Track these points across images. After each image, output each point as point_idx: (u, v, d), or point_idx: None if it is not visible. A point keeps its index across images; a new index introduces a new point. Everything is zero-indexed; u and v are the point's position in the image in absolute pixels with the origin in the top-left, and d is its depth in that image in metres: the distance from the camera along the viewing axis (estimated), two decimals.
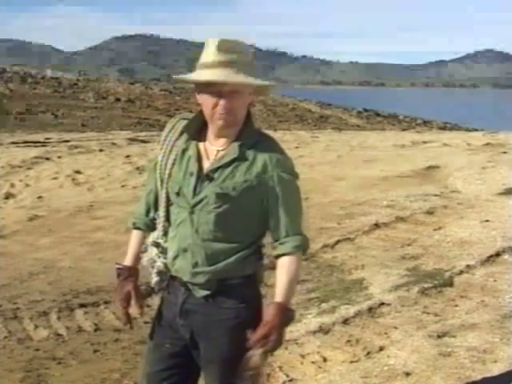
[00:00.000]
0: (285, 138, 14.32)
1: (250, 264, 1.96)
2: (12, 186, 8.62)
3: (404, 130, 22.53)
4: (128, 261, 2.09)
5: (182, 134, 2.01)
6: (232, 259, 1.92)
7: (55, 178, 9.12)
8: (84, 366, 3.47)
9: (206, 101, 1.90)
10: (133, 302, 2.06)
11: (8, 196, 8.08)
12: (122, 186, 8.63)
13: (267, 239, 2.01)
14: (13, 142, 12.72)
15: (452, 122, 29.64)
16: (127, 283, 2.05)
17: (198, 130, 1.99)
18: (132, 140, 12.94)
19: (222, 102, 1.87)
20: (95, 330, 3.91)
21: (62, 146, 12.08)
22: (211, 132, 1.97)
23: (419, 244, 5.41)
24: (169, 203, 2.00)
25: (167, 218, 2.01)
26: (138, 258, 2.09)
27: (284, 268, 1.92)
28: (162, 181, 2.01)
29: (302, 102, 33.46)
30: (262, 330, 1.84)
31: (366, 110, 31.40)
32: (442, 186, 7.86)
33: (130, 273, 2.07)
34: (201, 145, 1.98)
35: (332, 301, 4.17)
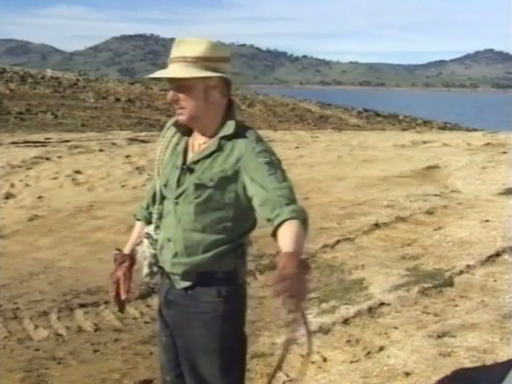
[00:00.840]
0: (285, 137, 14.33)
1: (229, 260, 2.00)
2: (12, 186, 8.61)
3: (404, 129, 22.52)
4: (126, 248, 2.24)
5: (176, 131, 2.13)
6: (210, 253, 1.98)
7: (55, 178, 9.12)
8: (84, 365, 3.47)
9: (168, 96, 2.03)
10: (121, 286, 2.15)
11: (8, 196, 8.08)
12: (122, 186, 8.63)
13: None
14: (13, 142, 12.71)
15: (452, 122, 29.64)
16: (120, 269, 2.17)
17: (188, 127, 2.10)
18: (132, 140, 12.94)
19: (173, 95, 2.00)
20: (95, 330, 3.91)
21: (62, 145, 12.08)
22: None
23: (419, 244, 5.42)
24: (163, 197, 2.10)
25: (161, 211, 2.11)
26: (134, 247, 2.23)
27: (285, 230, 1.79)
28: (158, 175, 2.12)
29: (301, 102, 33.43)
30: (276, 275, 1.64)
31: (366, 110, 31.38)
32: (441, 185, 7.87)
33: (124, 259, 2.19)
34: (189, 140, 2.10)
35: (332, 301, 4.17)
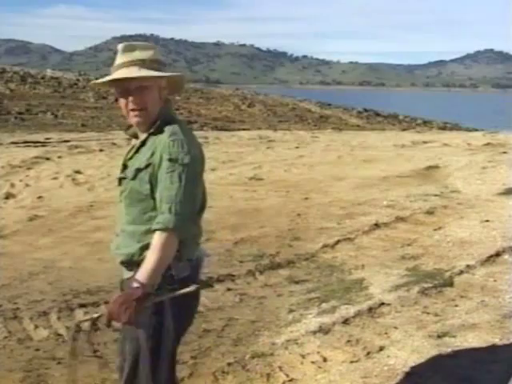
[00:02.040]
0: (285, 137, 14.33)
1: None
2: (12, 186, 8.61)
3: (404, 129, 22.50)
4: None
5: (130, 136, 2.26)
6: (140, 244, 2.09)
7: (55, 178, 9.11)
8: (84, 366, 3.46)
9: (120, 103, 2.12)
10: None
11: (8, 196, 8.07)
12: None
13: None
14: (13, 142, 12.70)
15: (452, 122, 29.63)
16: None
17: (134, 129, 2.21)
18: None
19: (130, 99, 2.08)
20: (95, 330, 3.90)
21: (62, 145, 12.08)
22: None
23: (419, 244, 5.42)
24: None
25: None
26: None
27: (151, 244, 1.99)
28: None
29: (302, 102, 33.41)
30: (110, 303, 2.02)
31: (366, 110, 31.35)
32: (441, 185, 7.87)
33: None
34: (134, 141, 2.23)
35: (332, 301, 4.16)
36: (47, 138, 13.50)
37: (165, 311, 2.06)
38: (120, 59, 2.10)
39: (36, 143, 12.55)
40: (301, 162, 10.34)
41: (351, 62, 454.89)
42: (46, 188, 8.51)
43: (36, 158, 10.54)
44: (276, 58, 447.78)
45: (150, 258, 1.96)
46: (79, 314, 4.13)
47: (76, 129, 18.54)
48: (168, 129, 2.07)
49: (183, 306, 2.12)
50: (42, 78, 32.27)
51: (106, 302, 4.25)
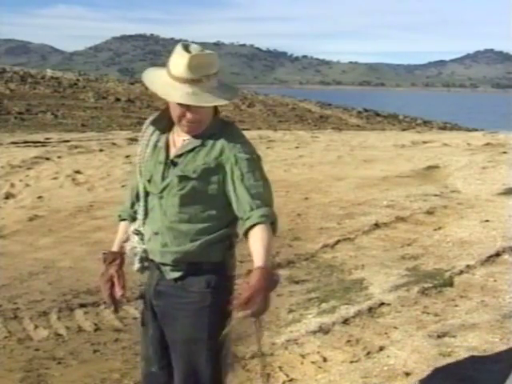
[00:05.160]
0: (285, 137, 14.32)
1: (217, 251, 2.06)
2: (12, 186, 8.61)
3: (404, 129, 22.49)
4: (113, 247, 2.26)
5: (155, 129, 2.17)
6: (198, 242, 2.03)
7: (55, 178, 9.11)
8: (84, 365, 3.47)
9: (173, 109, 2.06)
10: (115, 283, 2.17)
11: (8, 196, 8.07)
12: (122, 186, 8.61)
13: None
14: (13, 142, 12.69)
15: (452, 122, 29.62)
16: (111, 267, 2.19)
17: (167, 123, 2.15)
18: (132, 140, 12.91)
19: (188, 115, 2.03)
20: (95, 330, 3.91)
21: (62, 145, 12.07)
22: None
23: (419, 244, 5.41)
24: (147, 193, 2.15)
25: (146, 207, 2.15)
26: (122, 245, 2.25)
27: (255, 236, 1.95)
28: (140, 173, 2.16)
29: (302, 102, 33.39)
30: (246, 293, 1.85)
31: (366, 110, 31.32)
32: (441, 185, 7.86)
33: (114, 257, 2.22)
34: (170, 136, 2.15)
35: (332, 301, 4.16)
36: (47, 138, 13.49)
37: (225, 309, 2.02)
38: (184, 73, 1.98)
39: (36, 143, 12.53)
40: (301, 162, 10.33)
41: (351, 62, 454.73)
42: (46, 188, 8.51)
43: (36, 158, 10.53)
44: (276, 57, 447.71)
45: (267, 245, 1.92)
46: (79, 314, 4.14)
47: (76, 129, 18.53)
48: (231, 130, 2.09)
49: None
50: (42, 78, 32.25)
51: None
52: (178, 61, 2.00)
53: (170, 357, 2.15)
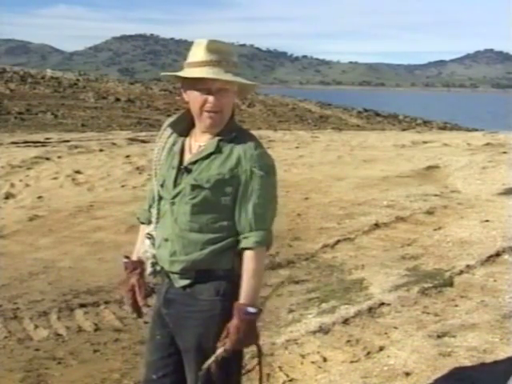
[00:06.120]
0: (285, 138, 14.31)
1: (226, 258, 2.03)
2: (12, 186, 8.60)
3: (404, 129, 22.50)
4: (134, 254, 2.23)
5: (173, 131, 2.13)
6: (207, 250, 2.01)
7: (55, 178, 9.11)
8: (84, 365, 3.47)
9: (195, 98, 2.00)
10: (137, 293, 2.16)
11: (8, 196, 8.07)
12: (122, 186, 8.62)
13: None
14: (13, 142, 12.69)
15: (452, 122, 29.62)
16: (132, 276, 2.18)
17: (185, 127, 2.11)
18: (132, 140, 12.92)
19: (210, 99, 1.98)
20: (95, 330, 3.91)
21: (62, 145, 12.06)
22: (198, 129, 2.08)
23: (419, 244, 5.41)
24: (160, 197, 2.12)
25: (159, 212, 2.12)
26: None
27: (245, 265, 1.99)
28: (156, 175, 2.13)
29: (302, 102, 33.40)
30: (225, 331, 1.95)
31: (366, 110, 31.33)
32: (441, 185, 7.87)
33: (135, 266, 2.19)
34: (186, 141, 2.12)
35: (332, 301, 4.16)
36: (47, 138, 13.48)
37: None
38: (203, 55, 1.97)
39: (36, 143, 12.53)
40: (301, 162, 10.33)
41: (351, 62, 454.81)
42: (46, 188, 8.51)
43: (36, 158, 10.52)
44: (276, 58, 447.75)
45: (253, 278, 1.97)
46: (79, 314, 4.14)
47: (76, 129, 18.53)
48: (248, 139, 2.03)
49: None
50: (42, 78, 32.25)
51: (107, 302, 4.26)
52: (196, 50, 2.01)
53: (176, 365, 2.13)
